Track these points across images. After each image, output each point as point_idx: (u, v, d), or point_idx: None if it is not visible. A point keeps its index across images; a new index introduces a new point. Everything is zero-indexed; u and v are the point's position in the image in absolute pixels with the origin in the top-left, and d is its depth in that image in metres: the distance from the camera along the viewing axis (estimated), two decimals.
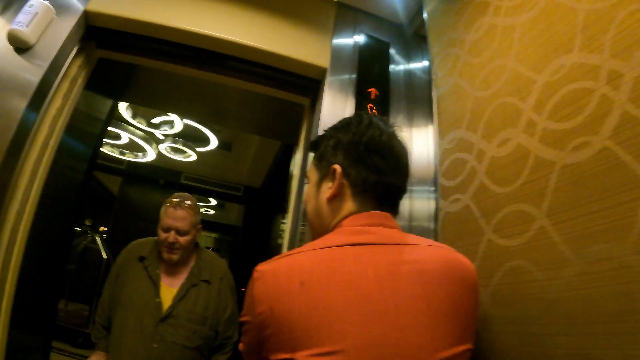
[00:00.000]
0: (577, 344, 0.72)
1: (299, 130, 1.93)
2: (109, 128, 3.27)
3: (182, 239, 1.55)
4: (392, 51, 1.84)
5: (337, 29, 1.79)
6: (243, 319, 0.68)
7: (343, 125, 0.81)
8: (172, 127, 3.31)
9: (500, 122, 1.04)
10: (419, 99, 1.75)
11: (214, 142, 3.76)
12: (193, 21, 1.65)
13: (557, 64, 0.91)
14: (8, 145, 1.33)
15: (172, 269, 1.59)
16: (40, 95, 1.46)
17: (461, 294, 0.66)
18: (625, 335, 0.65)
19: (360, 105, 1.61)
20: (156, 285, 1.52)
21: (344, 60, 1.71)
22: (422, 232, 1.48)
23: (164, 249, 1.54)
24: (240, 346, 0.72)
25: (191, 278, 1.58)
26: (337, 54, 1.72)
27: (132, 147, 3.72)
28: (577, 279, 0.74)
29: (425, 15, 1.67)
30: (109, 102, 2.20)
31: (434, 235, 1.25)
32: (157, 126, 3.36)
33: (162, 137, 3.62)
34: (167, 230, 1.54)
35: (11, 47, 1.45)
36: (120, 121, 3.23)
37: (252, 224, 4.89)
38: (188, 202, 1.61)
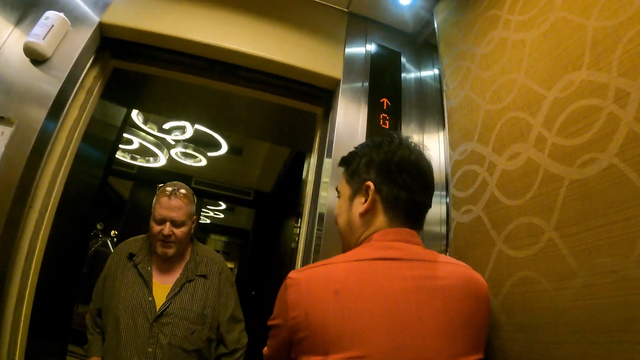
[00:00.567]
0: (583, 352, 0.77)
1: (309, 138, 2.00)
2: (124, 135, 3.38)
3: (178, 231, 1.44)
4: (403, 60, 1.89)
5: (349, 39, 1.85)
6: (273, 322, 0.76)
7: (375, 145, 0.88)
8: (183, 132, 3.40)
9: (511, 136, 1.09)
10: (430, 106, 1.81)
11: (224, 147, 3.85)
12: (206, 33, 1.72)
13: (567, 80, 0.96)
14: (28, 155, 1.41)
15: (166, 265, 1.49)
16: (58, 107, 1.53)
17: (475, 308, 0.74)
18: (627, 344, 0.70)
19: (373, 115, 1.67)
20: (148, 283, 1.42)
21: (357, 71, 1.77)
22: (433, 236, 1.53)
23: (158, 243, 1.44)
24: (265, 350, 0.79)
25: (186, 273, 1.48)
26: (349, 64, 1.78)
27: (144, 152, 3.82)
28: (583, 290, 0.79)
29: (435, 25, 1.72)
30: (123, 109, 2.29)
31: (445, 241, 1.31)
32: (168, 132, 3.45)
33: (173, 143, 3.72)
34: (161, 221, 1.43)
35: (28, 59, 1.53)
36: (131, 127, 3.33)
37: (262, 228, 4.97)
38: (183, 191, 1.49)
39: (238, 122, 2.43)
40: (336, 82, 1.74)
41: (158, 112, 2.88)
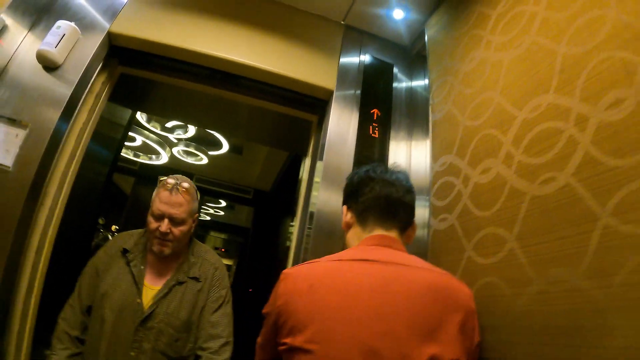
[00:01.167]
0: (535, 352, 0.85)
1: (306, 143, 2.08)
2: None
3: (177, 230, 1.33)
4: (395, 70, 1.97)
5: (344, 51, 1.93)
6: (265, 310, 0.87)
7: (347, 178, 1.09)
8: (185, 131, 3.49)
9: (484, 152, 1.16)
10: (420, 116, 1.88)
11: (225, 146, 3.94)
12: (208, 44, 1.80)
13: (536, 102, 1.03)
14: (41, 156, 1.49)
15: (160, 264, 1.38)
16: (69, 110, 1.60)
17: (444, 312, 0.77)
18: (573, 348, 0.78)
19: (363, 124, 1.75)
20: (138, 284, 1.30)
21: (350, 82, 1.85)
22: (416, 239, 1.60)
23: (155, 240, 1.32)
24: (258, 340, 0.90)
25: (177, 275, 1.35)
26: (343, 75, 1.86)
27: (147, 149, 3.92)
28: (537, 297, 0.87)
29: (426, 39, 1.79)
30: (129, 111, 2.38)
31: (425, 245, 1.38)
32: (170, 130, 3.54)
33: (175, 141, 3.81)
34: (160, 217, 1.32)
35: (40, 66, 1.61)
36: (135, 125, 3.43)
37: (261, 226, 5.07)
38: (186, 185, 1.37)
39: (239, 127, 2.51)
40: (330, 93, 1.81)
41: (162, 115, 2.97)
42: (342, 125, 1.74)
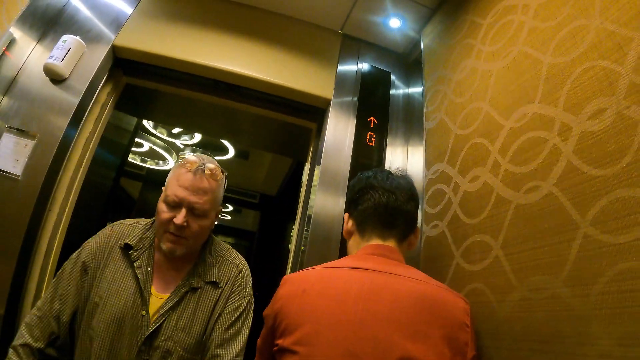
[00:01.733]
0: (517, 358, 0.85)
1: (306, 149, 2.10)
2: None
3: (196, 224, 1.03)
4: (393, 78, 1.98)
5: (342, 60, 1.95)
6: (265, 313, 0.90)
7: (348, 188, 1.07)
8: (191, 137, 3.55)
9: (473, 160, 1.17)
10: (416, 122, 1.89)
11: (231, 152, 3.99)
12: (209, 56, 1.83)
13: (522, 112, 1.04)
14: (49, 165, 1.54)
15: (170, 266, 1.08)
16: (76, 120, 1.65)
17: (430, 322, 0.75)
18: (552, 354, 0.78)
19: (360, 131, 1.77)
20: (144, 292, 1.01)
21: (347, 91, 1.87)
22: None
23: (167, 235, 1.02)
24: (258, 342, 0.93)
25: (191, 279, 1.06)
26: (340, 84, 1.88)
27: (153, 155, 3.99)
28: (519, 303, 0.88)
29: (422, 47, 1.81)
30: (135, 119, 2.43)
31: (419, 251, 1.38)
32: (177, 136, 3.60)
33: (182, 147, 3.87)
34: (176, 206, 1.01)
35: (48, 78, 1.66)
36: (142, 131, 3.49)
37: (267, 230, 5.11)
38: (212, 167, 1.07)
39: (241, 134, 2.55)
40: (327, 102, 1.83)
41: (167, 122, 3.03)
42: (339, 133, 1.76)
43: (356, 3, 1.78)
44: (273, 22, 1.99)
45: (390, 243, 0.92)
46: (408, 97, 1.96)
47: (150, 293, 1.03)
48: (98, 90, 1.80)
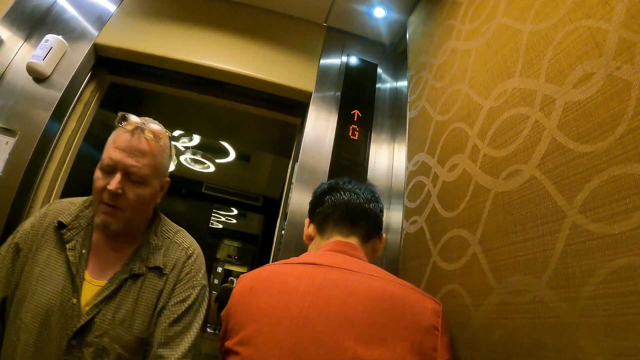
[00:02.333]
0: None
1: (291, 145, 1.98)
2: None
3: (133, 192, 0.85)
4: (379, 71, 1.84)
5: (325, 52, 1.82)
6: (221, 314, 0.82)
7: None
8: (190, 139, 3.47)
9: (452, 147, 1.02)
10: (403, 116, 1.73)
11: (232, 154, 3.89)
12: (192, 52, 1.75)
13: (501, 89, 0.89)
14: (29, 161, 1.47)
15: (111, 247, 0.90)
16: (56, 118, 1.58)
17: (388, 326, 0.64)
18: None
19: (342, 126, 1.63)
20: (75, 277, 0.84)
21: (330, 83, 1.74)
22: (396, 244, 1.45)
23: (101, 206, 0.84)
24: (218, 345, 0.86)
25: (132, 264, 0.87)
26: (322, 76, 1.75)
27: None
28: (497, 308, 0.72)
29: (407, 36, 1.66)
30: None
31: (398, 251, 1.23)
32: (176, 139, 3.53)
33: (182, 149, 3.80)
34: (110, 170, 0.84)
35: (31, 77, 1.61)
36: None
37: (271, 233, 4.97)
38: (155, 128, 0.91)
39: (229, 131, 2.44)
40: (309, 95, 1.70)
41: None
42: (319, 127, 1.62)
43: None
44: (255, 17, 1.88)
45: (352, 240, 0.81)
46: (395, 92, 1.80)
47: (83, 279, 0.84)
48: (81, 89, 1.75)
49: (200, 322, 0.89)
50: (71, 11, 1.79)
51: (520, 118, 0.80)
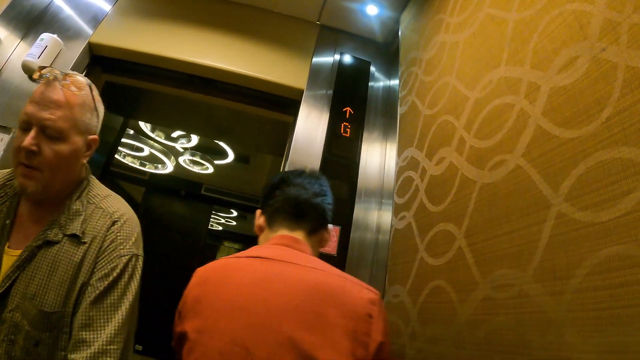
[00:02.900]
0: None
1: (284, 144, 1.94)
2: (132, 141, 3.46)
3: (50, 150, 0.74)
4: (372, 69, 1.80)
5: (318, 50, 1.79)
6: (178, 308, 0.82)
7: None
8: (189, 140, 3.44)
9: (439, 141, 0.98)
10: (396, 115, 1.70)
11: (231, 155, 3.85)
12: (185, 50, 1.73)
13: (487, 79, 0.85)
14: None
15: (34, 216, 0.79)
16: None
17: (322, 315, 0.66)
18: None
19: (334, 123, 1.59)
20: None
21: (322, 80, 1.70)
22: (386, 244, 1.40)
23: (18, 168, 0.75)
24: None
25: (47, 232, 0.76)
26: (314, 74, 1.71)
27: (153, 159, 3.90)
28: (482, 304, 0.67)
29: (399, 33, 1.63)
30: (120, 118, 2.33)
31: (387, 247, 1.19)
32: (175, 140, 3.50)
33: (181, 150, 3.77)
34: (27, 127, 0.74)
35: (26, 75, 1.60)
36: (141, 135, 3.41)
37: None
38: (74, 77, 0.80)
39: (223, 130, 2.41)
40: (300, 93, 1.67)
41: (150, 121, 2.94)
42: (310, 125, 1.59)
43: None
44: (249, 16, 1.86)
45: (298, 235, 0.85)
46: (389, 90, 1.77)
47: (4, 251, 0.74)
48: None
49: (131, 298, 0.75)
50: (67, 10, 1.78)
51: (506, 107, 0.76)
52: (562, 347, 0.53)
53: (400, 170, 1.20)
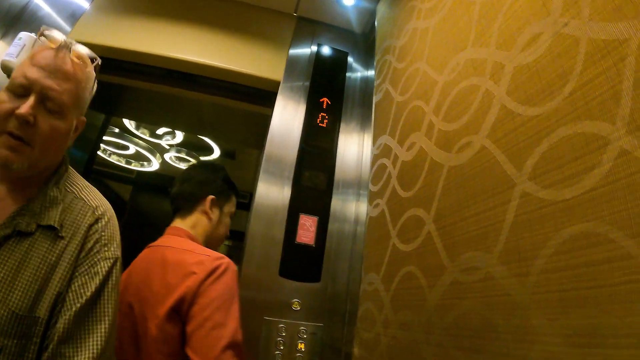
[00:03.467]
0: (446, 356, 0.62)
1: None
2: (117, 140, 3.35)
3: (48, 124, 0.63)
4: (350, 59, 1.75)
5: (295, 41, 1.73)
6: None
7: None
8: (173, 137, 3.35)
9: (410, 126, 0.94)
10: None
11: (217, 151, 3.77)
12: (162, 46, 1.65)
13: (454, 62, 0.81)
14: None
15: (6, 192, 0.65)
16: None
17: (171, 276, 0.85)
18: (485, 355, 0.55)
19: (311, 114, 1.54)
20: None
21: (299, 72, 1.64)
22: (363, 234, 1.37)
23: (3, 137, 0.60)
24: None
25: (18, 219, 0.62)
26: (291, 65, 1.66)
27: (138, 156, 3.79)
28: (450, 288, 0.64)
29: (375, 23, 1.58)
30: (102, 115, 2.24)
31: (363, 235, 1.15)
32: (160, 137, 3.40)
33: (167, 147, 3.67)
34: (23, 92, 0.62)
35: (5, 75, 1.52)
36: (125, 133, 3.31)
37: None
38: (85, 51, 0.73)
39: (204, 125, 2.34)
40: (277, 84, 1.61)
41: (133, 117, 2.84)
42: (287, 117, 1.53)
43: None
44: (226, 9, 1.79)
45: (177, 223, 1.01)
46: (366, 80, 1.72)
47: None
48: None
49: (112, 307, 0.65)
50: (46, 8, 1.69)
51: (472, 89, 0.72)
52: (527, 331, 0.49)
53: (374, 158, 1.16)
